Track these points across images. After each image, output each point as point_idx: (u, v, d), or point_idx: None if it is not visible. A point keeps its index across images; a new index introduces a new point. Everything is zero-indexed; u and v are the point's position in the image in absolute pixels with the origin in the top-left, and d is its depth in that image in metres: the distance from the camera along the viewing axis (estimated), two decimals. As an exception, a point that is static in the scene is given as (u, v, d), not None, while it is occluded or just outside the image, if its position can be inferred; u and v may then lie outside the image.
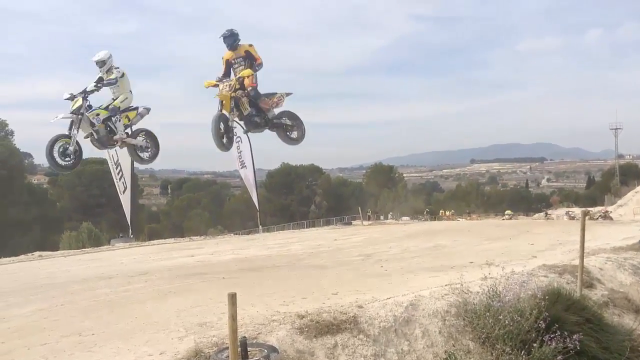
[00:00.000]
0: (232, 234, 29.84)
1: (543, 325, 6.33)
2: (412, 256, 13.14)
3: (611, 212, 44.58)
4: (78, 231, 42.68)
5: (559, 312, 6.89)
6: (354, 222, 40.95)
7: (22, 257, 16.29)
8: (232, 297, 4.65)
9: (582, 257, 8.47)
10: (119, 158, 24.73)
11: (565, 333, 6.31)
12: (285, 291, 8.53)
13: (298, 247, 16.50)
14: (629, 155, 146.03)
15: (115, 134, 10.11)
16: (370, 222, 38.95)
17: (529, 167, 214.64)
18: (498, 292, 6.90)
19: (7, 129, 59.89)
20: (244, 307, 6.76)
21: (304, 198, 76.43)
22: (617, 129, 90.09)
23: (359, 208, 40.37)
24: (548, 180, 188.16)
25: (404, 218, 55.22)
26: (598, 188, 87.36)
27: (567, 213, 44.24)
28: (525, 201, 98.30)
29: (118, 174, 25.02)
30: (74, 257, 16.07)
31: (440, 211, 62.67)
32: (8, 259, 15.77)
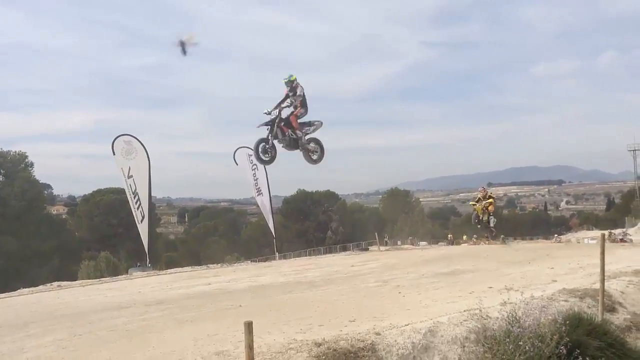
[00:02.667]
0: (249, 261, 29.81)
1: (564, 351, 6.23)
2: (429, 282, 13.01)
3: (631, 235, 43.83)
4: (96, 260, 43.06)
5: (581, 337, 6.78)
6: (370, 248, 40.69)
7: (41, 287, 16.40)
8: (249, 326, 4.64)
9: (602, 281, 8.34)
10: (136, 187, 25.01)
11: (587, 359, 6.20)
12: (302, 318, 8.48)
13: (315, 274, 16.42)
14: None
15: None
16: (387, 248, 38.69)
17: (547, 190, 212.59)
18: (518, 318, 6.81)
19: (26, 160, 60.81)
20: (261, 335, 6.73)
21: (320, 224, 76.25)
22: (635, 150, 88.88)
23: (376, 234, 40.10)
24: (567, 202, 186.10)
25: (422, 243, 54.76)
26: (618, 210, 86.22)
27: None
28: (545, 224, 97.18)
29: (136, 202, 25.24)
30: (92, 287, 16.15)
31: (464, 236, 62.08)
32: (27, 289, 15.90)
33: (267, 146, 13.36)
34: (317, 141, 13.84)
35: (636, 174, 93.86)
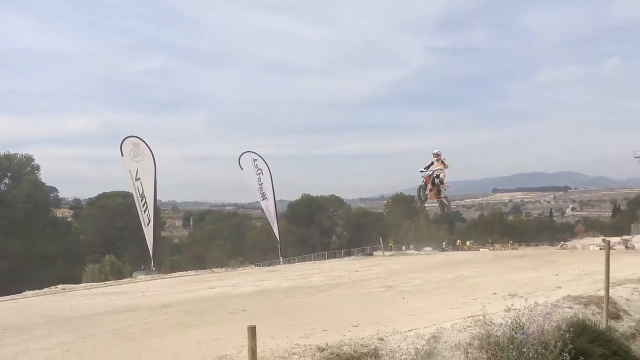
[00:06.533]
0: (253, 266, 29.79)
1: (568, 358, 6.20)
2: (433, 287, 13.00)
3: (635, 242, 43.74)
4: (101, 264, 43.16)
5: (585, 345, 6.75)
6: (375, 253, 40.67)
7: (45, 290, 16.45)
8: (252, 330, 4.64)
9: (607, 288, 8.31)
10: (144, 190, 25.02)
11: (592, 366, 6.18)
12: (306, 323, 8.49)
13: (319, 279, 16.42)
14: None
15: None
16: (391, 253, 38.67)
17: (552, 196, 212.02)
18: (521, 324, 6.78)
19: (33, 163, 61.11)
20: (264, 340, 6.74)
21: (325, 229, 76.34)
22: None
23: (380, 239, 40.11)
24: (573, 209, 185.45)
25: (426, 248, 54.72)
26: (624, 217, 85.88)
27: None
28: (550, 230, 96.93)
29: (143, 206, 25.24)
30: (96, 290, 16.19)
31: (458, 241, 62.05)
32: (32, 292, 15.95)
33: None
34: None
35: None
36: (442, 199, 18.60)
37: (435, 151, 18.16)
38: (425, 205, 20.70)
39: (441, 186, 18.17)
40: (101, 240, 62.43)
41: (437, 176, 17.93)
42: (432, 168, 17.95)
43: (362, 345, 6.43)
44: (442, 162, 18.01)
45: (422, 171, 17.98)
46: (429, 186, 17.96)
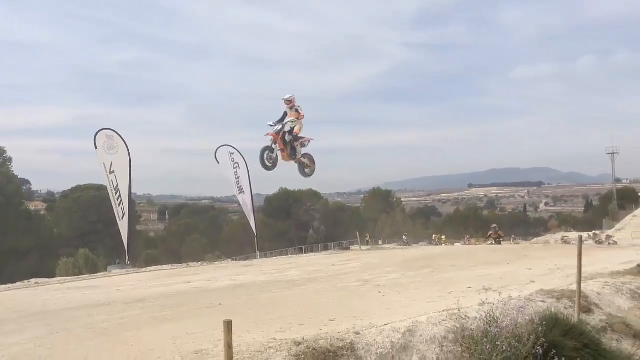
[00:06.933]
0: (230, 260, 29.71)
1: (541, 351, 6.30)
2: (409, 282, 13.09)
3: (613, 237, 44.59)
4: (75, 257, 42.70)
5: (557, 338, 6.86)
6: (352, 247, 40.83)
7: (18, 284, 16.17)
8: (228, 324, 4.65)
9: (579, 282, 8.46)
10: (118, 183, 24.74)
11: (564, 359, 6.28)
12: (282, 317, 8.49)
13: (295, 273, 16.42)
14: (627, 180, 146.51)
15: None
16: (368, 247, 38.84)
17: (526, 191, 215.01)
18: (495, 318, 6.87)
19: (5, 155, 60.05)
20: (240, 334, 6.72)
21: (302, 223, 76.41)
22: (613, 153, 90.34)
23: (357, 233, 40.25)
24: (546, 204, 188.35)
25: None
26: (596, 212, 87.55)
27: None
28: (524, 225, 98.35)
29: (117, 199, 24.96)
30: (70, 284, 15.97)
31: (434, 235, 62.42)
32: (4, 285, 15.65)
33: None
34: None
35: (614, 176, 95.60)
36: (301, 158, 14.95)
37: (287, 96, 14.51)
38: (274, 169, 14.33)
39: (296, 143, 14.52)
40: (75, 233, 61.66)
41: (289, 131, 14.38)
42: (286, 120, 14.42)
43: (338, 339, 6.45)
44: (297, 110, 14.40)
45: (271, 126, 14.40)
46: (279, 145, 14.36)
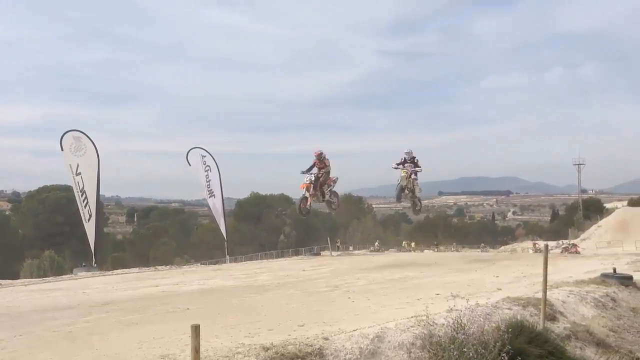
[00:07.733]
0: (199, 264, 29.44)
1: (506, 358, 6.37)
2: (379, 288, 13.16)
3: (578, 246, 45.58)
4: (40, 259, 41.69)
5: (522, 345, 6.96)
6: (322, 253, 40.82)
7: (-20, 285, 15.77)
8: (196, 329, 4.57)
9: (545, 290, 8.60)
10: (84, 185, 24.35)
11: (528, 366, 6.37)
12: (251, 322, 8.44)
13: (265, 278, 16.37)
14: (592, 190, 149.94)
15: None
16: (339, 253, 38.91)
17: (495, 200, 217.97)
18: (463, 325, 6.93)
19: (-31, 154, 58.57)
20: (208, 339, 6.67)
21: (273, 228, 76.02)
22: (580, 164, 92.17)
23: (328, 238, 40.29)
24: (514, 213, 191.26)
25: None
26: (562, 222, 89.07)
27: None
28: (492, 233, 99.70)
29: (83, 201, 24.57)
30: (34, 286, 15.63)
31: (404, 242, 62.86)
32: (-35, 287, 15.26)
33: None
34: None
35: (580, 187, 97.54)
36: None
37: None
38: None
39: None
40: (40, 235, 60.34)
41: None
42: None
43: (306, 344, 6.44)
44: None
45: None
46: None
